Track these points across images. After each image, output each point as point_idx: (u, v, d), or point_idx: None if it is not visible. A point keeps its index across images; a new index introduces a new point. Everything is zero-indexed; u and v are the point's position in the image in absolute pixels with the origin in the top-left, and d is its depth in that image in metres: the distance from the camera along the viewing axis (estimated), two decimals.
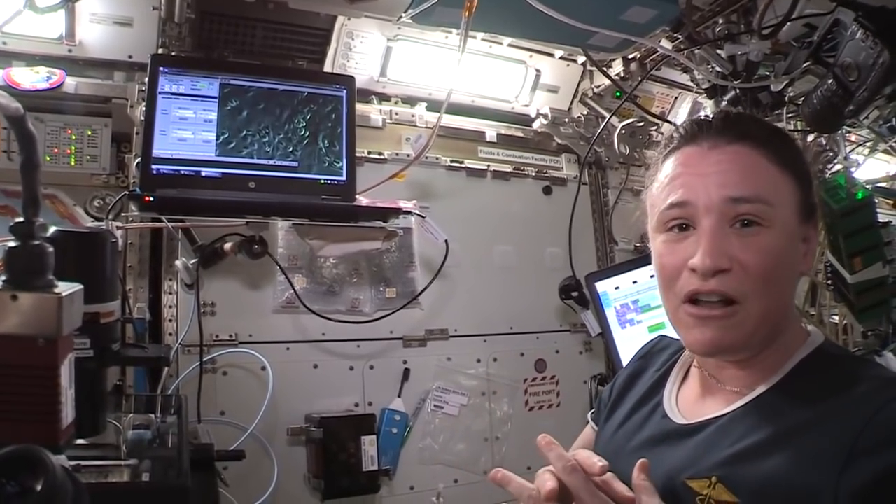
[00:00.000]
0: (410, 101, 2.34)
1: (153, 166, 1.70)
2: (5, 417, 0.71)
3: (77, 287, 0.76)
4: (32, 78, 1.80)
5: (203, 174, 1.74)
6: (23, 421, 0.72)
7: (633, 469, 0.79)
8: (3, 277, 0.71)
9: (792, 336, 0.93)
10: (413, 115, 2.32)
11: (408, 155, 2.19)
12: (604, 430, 1.13)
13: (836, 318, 2.84)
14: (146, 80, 1.76)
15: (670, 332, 1.16)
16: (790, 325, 0.95)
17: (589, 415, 1.29)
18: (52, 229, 0.86)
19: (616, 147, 2.42)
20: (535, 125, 2.55)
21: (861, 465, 0.73)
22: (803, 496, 0.75)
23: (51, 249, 0.74)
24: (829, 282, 2.49)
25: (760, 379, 0.91)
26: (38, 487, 0.58)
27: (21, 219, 0.73)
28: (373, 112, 2.26)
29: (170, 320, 1.88)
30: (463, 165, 2.40)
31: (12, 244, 0.72)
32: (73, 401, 0.78)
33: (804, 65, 1.94)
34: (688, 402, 1.01)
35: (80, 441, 1.05)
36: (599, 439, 1.13)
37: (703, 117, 1.00)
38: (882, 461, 0.72)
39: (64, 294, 0.72)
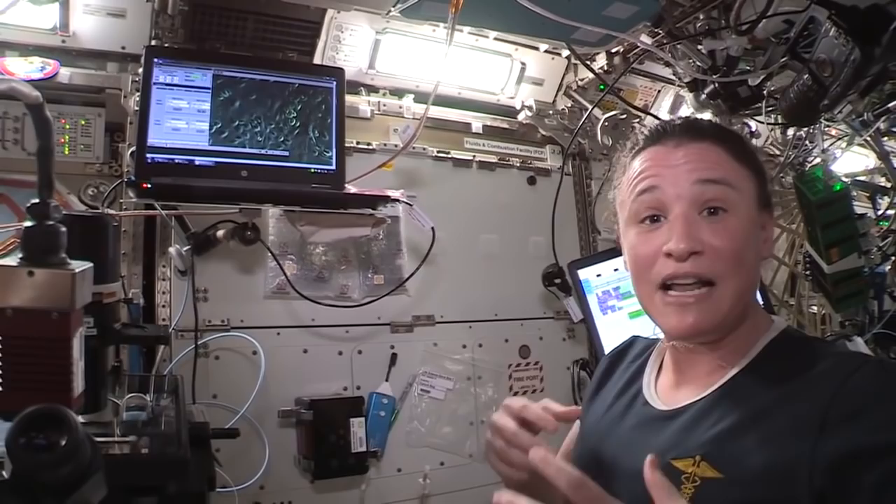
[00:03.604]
0: (398, 92, 2.38)
1: (148, 155, 1.74)
2: (22, 386, 0.77)
3: (88, 265, 0.81)
4: (27, 68, 1.83)
5: (197, 163, 1.78)
6: (38, 389, 0.77)
7: (644, 466, 0.73)
8: (20, 255, 0.76)
9: (757, 320, 1.00)
10: (401, 107, 2.36)
11: (395, 145, 2.23)
12: (586, 419, 1.18)
13: (815, 308, 2.92)
14: (140, 70, 1.79)
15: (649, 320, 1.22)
16: (755, 309, 1.01)
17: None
18: None
19: (599, 139, 2.46)
20: (520, 117, 2.59)
21: (829, 441, 0.77)
22: (781, 470, 0.80)
23: (63, 229, 0.79)
24: (808, 272, 2.56)
25: (730, 361, 0.96)
26: (63, 442, 0.63)
27: (37, 200, 0.78)
28: (361, 103, 2.30)
29: (163, 306, 1.92)
30: (449, 156, 2.45)
31: (28, 224, 0.77)
32: (83, 372, 0.83)
33: (782, 60, 1.99)
34: (665, 390, 1.07)
35: (79, 418, 1.09)
36: (583, 430, 1.18)
37: (665, 122, 1.07)
38: (848, 441, 0.76)
39: (77, 271, 0.77)
